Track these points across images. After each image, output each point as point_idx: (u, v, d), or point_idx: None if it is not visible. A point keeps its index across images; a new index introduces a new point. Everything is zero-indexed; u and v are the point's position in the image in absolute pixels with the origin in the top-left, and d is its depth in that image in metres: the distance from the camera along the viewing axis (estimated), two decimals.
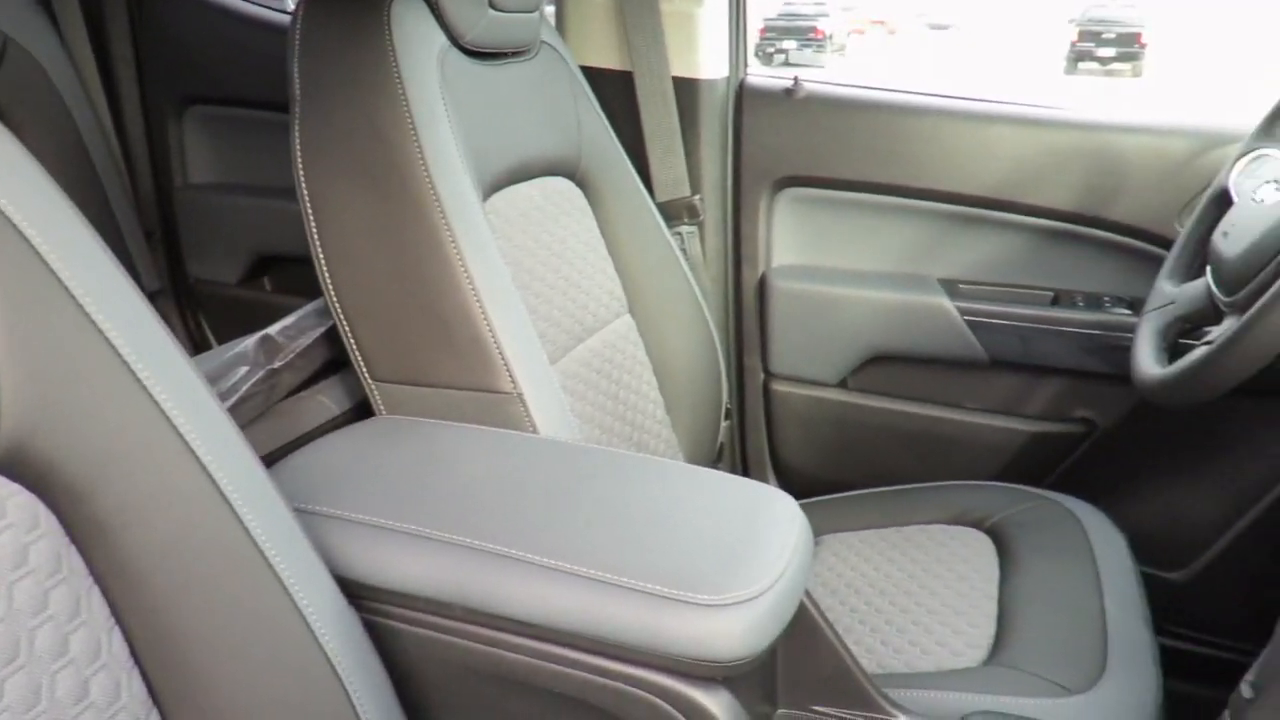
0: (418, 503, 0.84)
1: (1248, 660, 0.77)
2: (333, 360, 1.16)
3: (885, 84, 1.62)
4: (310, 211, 1.05)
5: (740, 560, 0.76)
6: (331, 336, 1.13)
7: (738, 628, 0.72)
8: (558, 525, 0.80)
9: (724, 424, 1.54)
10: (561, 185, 1.29)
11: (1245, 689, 0.77)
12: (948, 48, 19.27)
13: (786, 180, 1.63)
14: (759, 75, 1.64)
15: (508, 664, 0.78)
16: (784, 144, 1.61)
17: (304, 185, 1.04)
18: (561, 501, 0.84)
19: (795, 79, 1.61)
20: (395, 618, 0.81)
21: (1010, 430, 1.58)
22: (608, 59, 1.55)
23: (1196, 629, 1.48)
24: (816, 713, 0.94)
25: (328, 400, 1.12)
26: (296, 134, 1.04)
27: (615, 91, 1.52)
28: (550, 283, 1.21)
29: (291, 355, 1.10)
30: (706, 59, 1.56)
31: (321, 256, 1.05)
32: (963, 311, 1.54)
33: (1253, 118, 1.23)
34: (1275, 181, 1.06)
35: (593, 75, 1.39)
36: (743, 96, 1.62)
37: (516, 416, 1.02)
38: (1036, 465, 1.58)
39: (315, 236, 1.05)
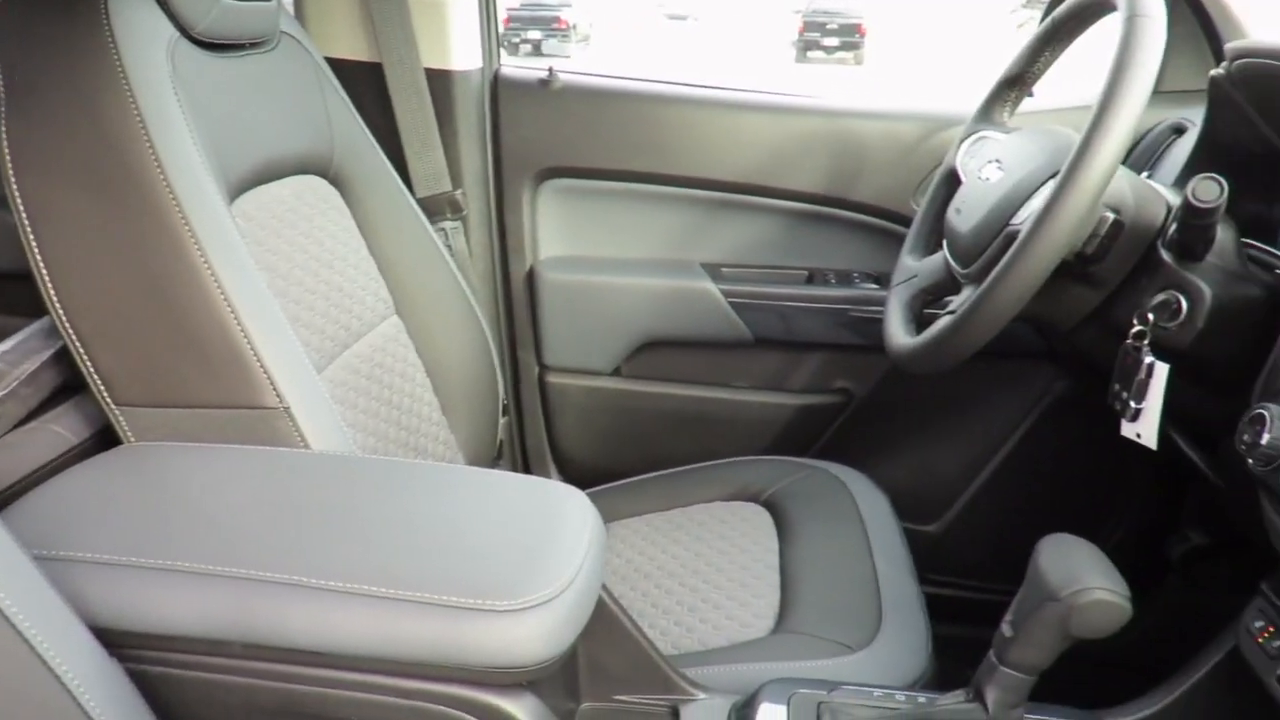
0: (178, 535, 0.77)
1: (1005, 600, 0.83)
2: (65, 385, 1.04)
3: (639, 74, 1.65)
4: (27, 222, 0.94)
5: (535, 561, 0.75)
6: (62, 359, 1.01)
7: (539, 630, 0.71)
8: (339, 544, 0.76)
9: (502, 420, 1.52)
10: (315, 184, 1.22)
11: (1005, 628, 0.84)
12: (686, 38, 19.94)
13: (548, 171, 1.62)
14: (514, 66, 1.62)
15: (298, 697, 0.73)
16: (542, 135, 1.60)
17: (17, 192, 0.93)
18: (341, 518, 0.80)
19: (550, 70, 1.60)
20: (168, 664, 0.74)
21: (777, 405, 1.65)
22: (354, 50, 1.48)
23: (956, 575, 1.61)
24: (620, 702, 0.95)
25: (62, 430, 1.01)
26: (3, 134, 0.92)
27: (365, 84, 1.45)
28: (310, 287, 1.15)
29: (15, 383, 0.98)
30: (459, 50, 1.52)
31: (44, 272, 0.95)
32: (726, 294, 1.60)
33: (971, 102, 1.33)
34: (996, 161, 1.15)
35: (339, 67, 1.33)
36: (498, 88, 1.60)
37: (285, 432, 0.96)
38: (803, 436, 1.66)
39: (35, 249, 0.94)
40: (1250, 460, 0.86)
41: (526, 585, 0.72)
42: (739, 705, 0.96)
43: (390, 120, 1.48)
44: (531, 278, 1.65)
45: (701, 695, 0.96)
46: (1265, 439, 0.85)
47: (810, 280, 1.63)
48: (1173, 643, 1.09)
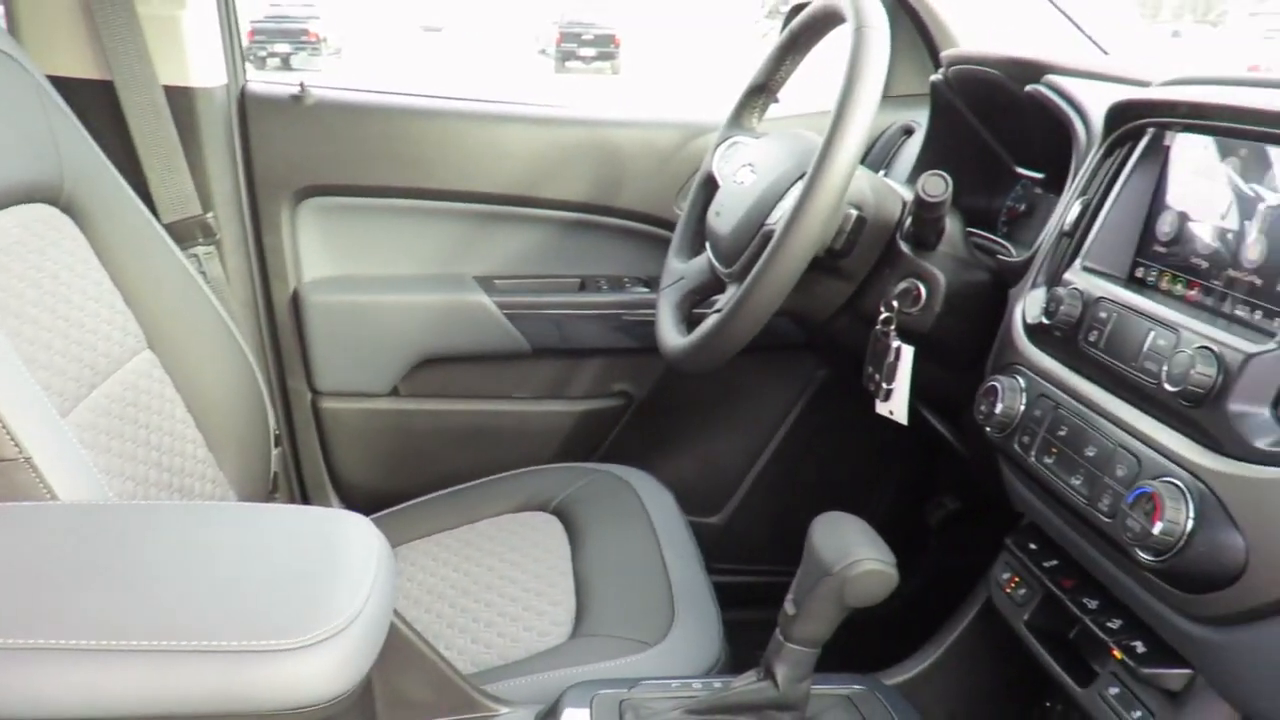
0: None
1: (789, 580, 0.88)
2: None
3: (395, 88, 1.62)
4: None
5: (320, 594, 0.72)
6: None
7: (328, 665, 0.68)
8: (97, 600, 0.70)
9: (275, 452, 1.45)
10: (43, 213, 1.12)
11: (789, 606, 0.88)
12: (441, 50, 19.71)
13: (307, 190, 1.56)
14: (262, 82, 1.55)
15: None
16: (298, 153, 1.54)
17: None
18: (98, 572, 0.74)
19: (301, 85, 1.55)
20: None
21: (559, 413, 1.67)
22: (80, 67, 1.37)
23: (742, 562, 1.67)
24: None
25: None
26: None
27: (96, 104, 1.35)
28: (46, 325, 1.05)
29: None
30: (199, 65, 1.44)
31: None
32: (501, 306, 1.59)
33: (722, 110, 1.39)
34: (749, 164, 1.21)
35: (65, 86, 1.23)
36: (246, 104, 1.52)
37: (27, 485, 0.88)
38: (587, 441, 1.68)
39: None
40: (988, 429, 0.95)
41: (311, 620, 0.69)
42: (542, 715, 0.96)
43: (128, 142, 1.38)
44: (296, 301, 1.58)
45: (504, 710, 0.96)
46: (999, 409, 0.93)
47: (583, 287, 1.65)
48: (938, 602, 1.18)
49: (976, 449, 1.20)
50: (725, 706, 0.93)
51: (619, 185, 1.60)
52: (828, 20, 1.18)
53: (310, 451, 1.66)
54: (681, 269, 1.32)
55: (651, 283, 1.65)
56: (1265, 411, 0.68)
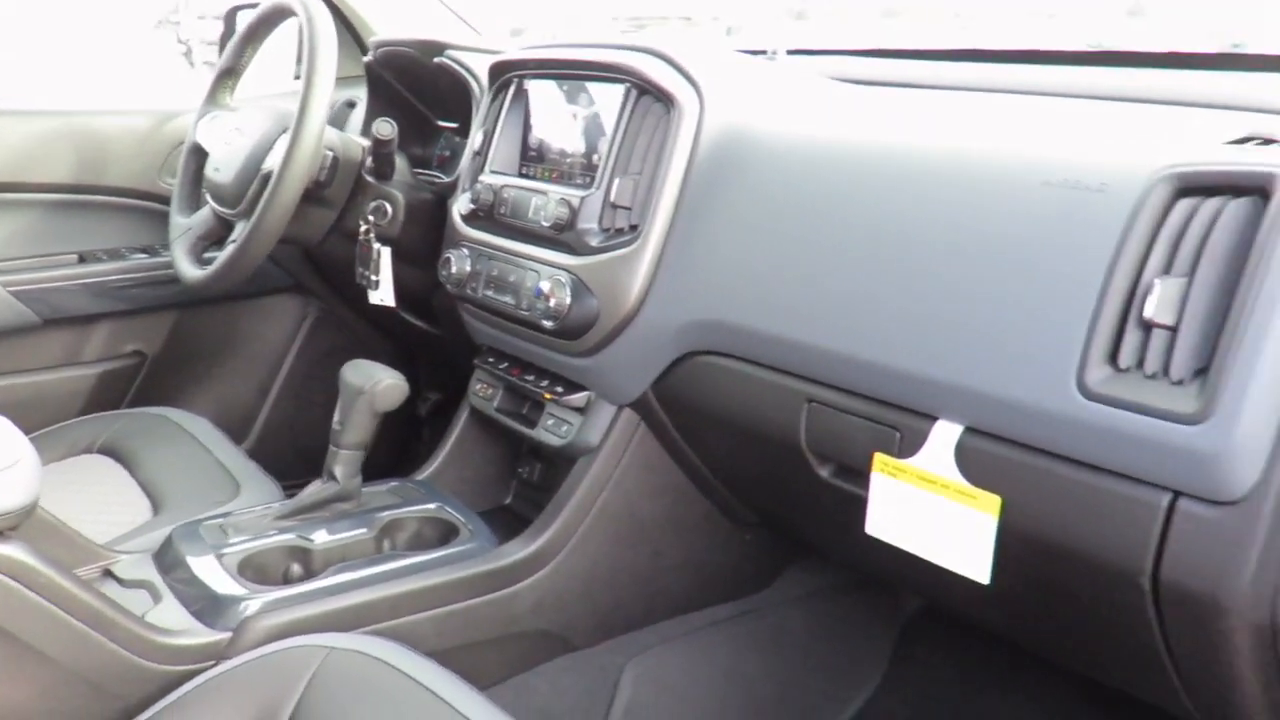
0: None
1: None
2: None
3: None
4: None
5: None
6: None
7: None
8: None
9: None
10: None
11: (336, 424, 1.26)
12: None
13: None
14: None
15: None
16: None
17: None
18: None
19: None
20: None
21: (77, 377, 1.82)
22: None
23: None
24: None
25: None
26: None
27: None
28: None
29: None
30: None
31: None
32: (6, 285, 1.71)
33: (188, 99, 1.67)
34: (237, 129, 1.53)
35: None
36: None
37: None
38: (108, 400, 1.85)
39: None
40: (450, 285, 1.40)
41: None
42: (158, 553, 1.22)
43: None
44: None
45: (124, 557, 1.21)
46: (454, 270, 1.39)
47: (82, 261, 1.82)
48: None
49: (449, 327, 1.66)
50: (302, 508, 1.29)
51: (104, 167, 1.80)
52: (279, 14, 1.54)
53: None
54: (186, 223, 1.60)
55: (149, 249, 1.87)
56: (594, 225, 1.21)
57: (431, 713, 0.89)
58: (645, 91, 1.21)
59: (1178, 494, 0.77)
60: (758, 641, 1.47)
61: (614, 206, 1.21)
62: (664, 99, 1.19)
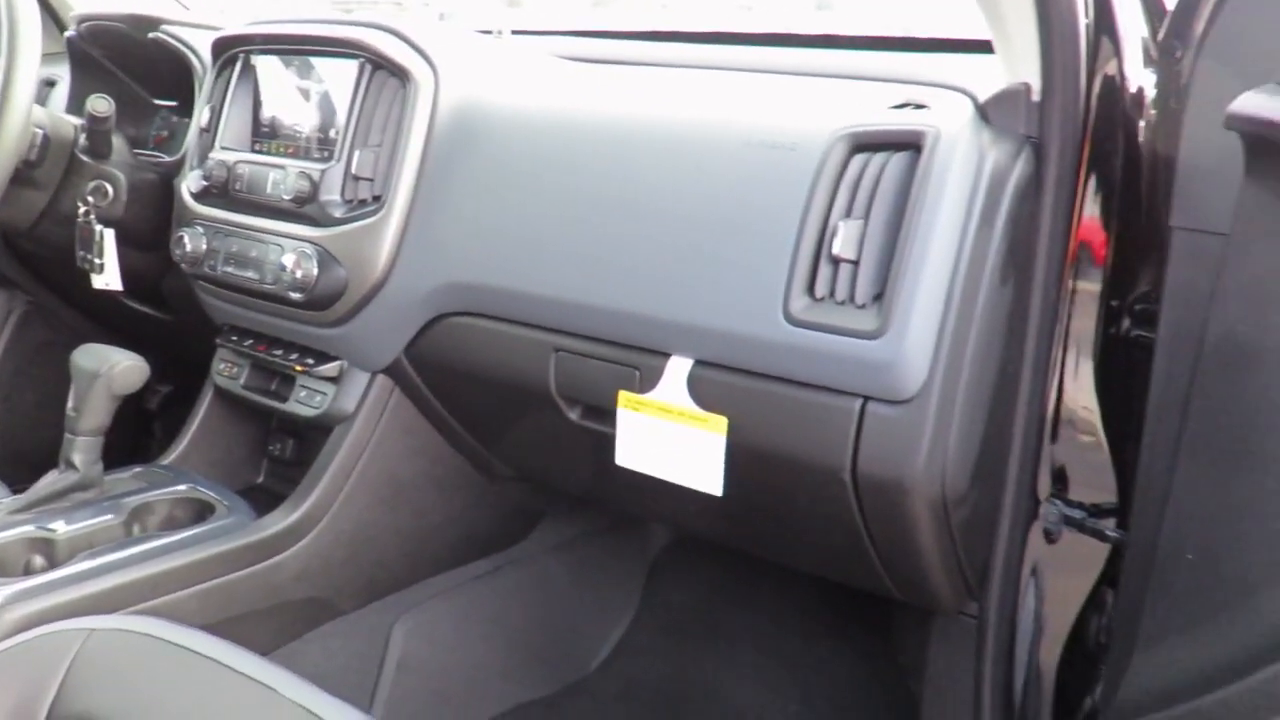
0: None
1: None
2: None
3: None
4: None
5: None
6: None
7: None
8: None
9: None
10: None
11: (71, 412, 1.21)
12: None
13: None
14: None
15: None
16: None
17: None
18: None
19: None
20: None
21: None
22: None
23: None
24: None
25: None
26: None
27: None
28: None
29: None
30: None
31: None
32: None
33: None
34: None
35: None
36: None
37: None
38: None
39: None
40: (185, 265, 1.37)
41: None
42: None
43: None
44: None
45: None
46: (189, 249, 1.36)
47: None
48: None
49: (179, 310, 1.61)
50: (38, 500, 1.23)
51: None
52: None
53: None
54: None
55: None
56: (336, 197, 1.24)
57: (208, 676, 0.90)
58: (380, 67, 1.25)
59: (867, 399, 0.92)
60: (520, 589, 1.56)
61: (356, 178, 1.24)
62: (399, 74, 1.23)
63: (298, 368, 1.34)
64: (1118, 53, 0.96)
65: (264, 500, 1.41)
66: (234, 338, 1.43)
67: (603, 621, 1.65)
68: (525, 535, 1.60)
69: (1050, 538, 1.09)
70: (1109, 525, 1.05)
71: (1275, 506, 0.82)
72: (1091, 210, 1.00)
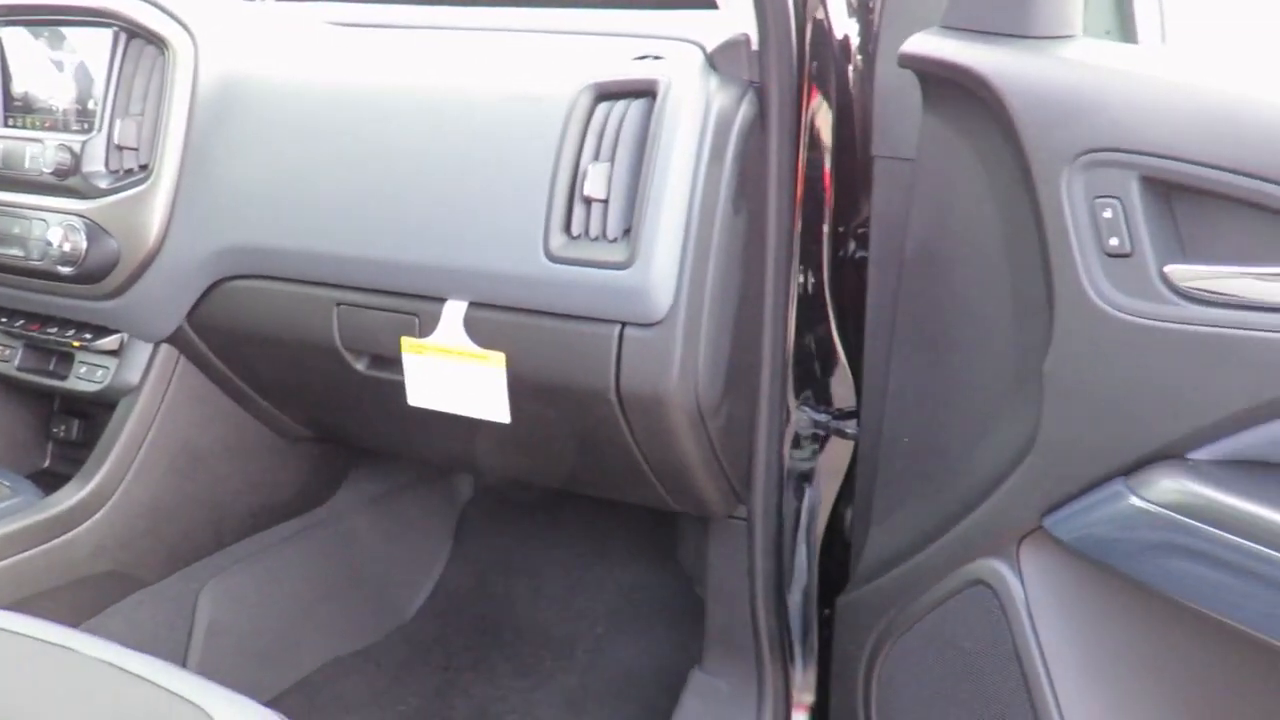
0: None
1: None
2: None
3: None
4: None
5: None
6: None
7: None
8: None
9: None
10: None
11: None
12: None
13: None
14: None
15: None
16: None
17: None
18: None
19: None
20: None
21: None
22: None
23: None
24: None
25: None
26: None
27: None
28: None
29: None
30: None
31: None
32: None
33: None
34: None
35: None
36: None
37: None
38: None
39: None
40: None
41: None
42: None
43: None
44: None
45: None
46: None
47: None
48: None
49: None
50: None
51: None
52: None
53: None
54: None
55: None
56: (100, 168, 1.23)
57: (14, 650, 0.91)
58: (135, 35, 1.25)
59: (624, 324, 1.02)
60: (329, 549, 1.60)
61: (119, 148, 1.24)
62: (156, 42, 1.24)
63: (75, 344, 1.32)
64: (824, 5, 1.08)
65: (51, 484, 1.39)
66: (2, 319, 1.39)
67: (416, 572, 1.71)
68: (331, 495, 1.63)
69: (802, 442, 1.23)
70: (850, 425, 1.19)
71: (967, 387, 0.98)
72: (816, 147, 1.13)
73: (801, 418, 1.22)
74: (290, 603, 1.51)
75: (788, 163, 1.08)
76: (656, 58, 1.09)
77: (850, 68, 1.13)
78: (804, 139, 1.11)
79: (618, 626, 1.58)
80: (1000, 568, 0.91)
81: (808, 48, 1.08)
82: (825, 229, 1.15)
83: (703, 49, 1.09)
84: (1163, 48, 1.26)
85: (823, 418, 1.22)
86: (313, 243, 1.16)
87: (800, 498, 1.26)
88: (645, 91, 1.03)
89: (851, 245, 1.17)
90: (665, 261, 0.99)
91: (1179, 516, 0.77)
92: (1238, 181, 0.74)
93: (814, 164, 1.13)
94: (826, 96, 1.11)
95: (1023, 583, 0.90)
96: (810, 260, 1.16)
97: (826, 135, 1.13)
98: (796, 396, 1.20)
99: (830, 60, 1.10)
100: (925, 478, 1.01)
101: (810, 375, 1.21)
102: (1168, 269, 0.78)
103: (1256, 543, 0.74)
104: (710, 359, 1.04)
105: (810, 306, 1.18)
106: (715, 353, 1.05)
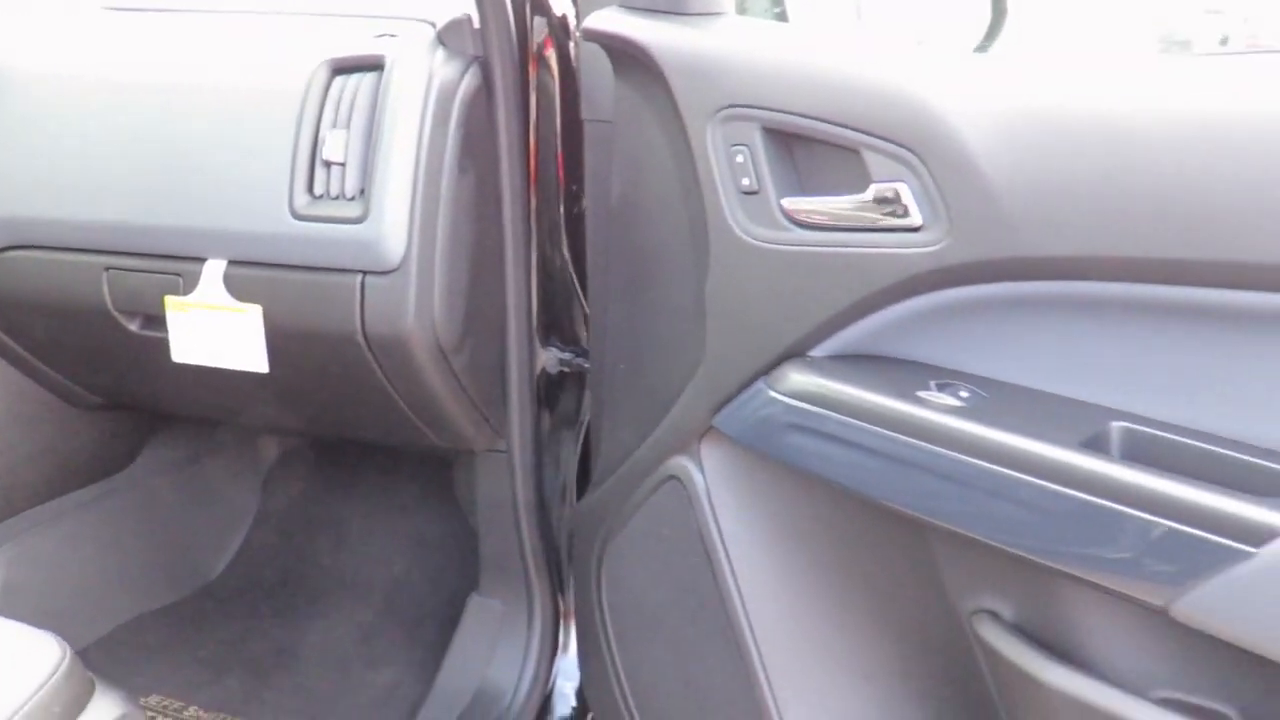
0: None
1: None
2: None
3: None
4: None
5: None
6: None
7: None
8: None
9: None
10: None
11: None
12: None
13: None
14: None
15: None
16: None
17: None
18: None
19: None
20: None
21: None
22: None
23: None
24: None
25: None
26: None
27: None
28: None
29: None
30: None
31: None
32: None
33: None
34: None
35: None
36: None
37: None
38: None
39: None
40: None
41: None
42: None
43: None
44: None
45: None
46: None
47: None
48: None
49: None
50: None
51: None
52: None
53: None
54: None
55: None
56: None
57: None
58: None
59: (364, 273, 1.15)
60: (128, 514, 1.66)
61: None
62: None
63: None
64: None
65: None
66: None
67: (221, 532, 1.79)
68: (129, 461, 1.70)
69: (551, 376, 1.38)
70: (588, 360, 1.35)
71: (663, 316, 1.14)
72: (548, 113, 1.27)
73: (549, 356, 1.37)
74: (90, 565, 1.58)
75: (517, 128, 1.23)
76: (393, 36, 1.22)
77: (571, 44, 1.28)
78: (534, 107, 1.26)
79: (412, 565, 1.71)
80: (686, 463, 1.07)
81: (530, 26, 1.23)
82: (560, 186, 1.30)
83: (434, 26, 1.22)
84: (793, 26, 1.46)
85: (567, 355, 1.37)
86: (78, 212, 1.24)
87: (555, 427, 1.42)
88: (375, 65, 1.16)
89: (584, 201, 1.33)
90: (396, 216, 1.12)
91: (802, 404, 0.95)
92: (830, 130, 0.92)
93: (546, 129, 1.28)
94: (549, 69, 1.26)
95: (704, 474, 1.06)
96: (548, 214, 1.30)
97: (554, 104, 1.28)
98: (544, 338, 1.35)
99: (552, 35, 1.25)
100: (636, 400, 1.17)
101: (556, 319, 1.36)
102: (784, 201, 0.95)
103: (858, 419, 0.92)
104: (446, 301, 1.18)
105: (550, 257, 1.33)
106: (451, 296, 1.19)
